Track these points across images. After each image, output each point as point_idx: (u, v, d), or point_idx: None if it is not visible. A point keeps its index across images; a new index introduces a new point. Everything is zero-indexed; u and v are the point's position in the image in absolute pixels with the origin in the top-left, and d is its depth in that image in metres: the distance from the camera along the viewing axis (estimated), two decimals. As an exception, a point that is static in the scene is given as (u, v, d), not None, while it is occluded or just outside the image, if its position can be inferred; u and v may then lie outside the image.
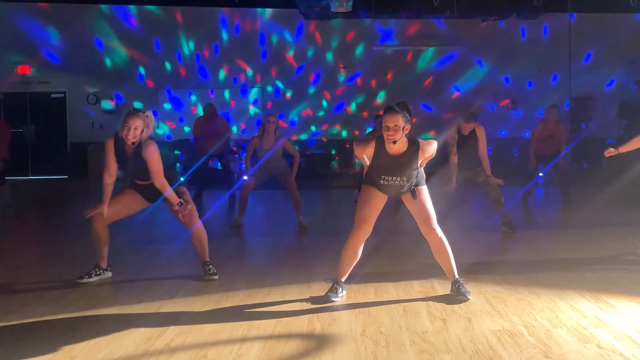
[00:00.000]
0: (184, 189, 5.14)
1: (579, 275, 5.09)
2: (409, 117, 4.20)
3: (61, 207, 10.70)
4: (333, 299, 4.41)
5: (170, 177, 5.05)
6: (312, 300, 4.46)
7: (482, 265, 5.56)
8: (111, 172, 4.98)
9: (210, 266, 5.19)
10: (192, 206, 5.07)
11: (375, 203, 4.41)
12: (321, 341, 3.64)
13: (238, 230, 7.64)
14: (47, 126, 15.66)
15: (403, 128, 4.16)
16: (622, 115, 14.17)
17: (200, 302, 4.44)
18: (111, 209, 5.02)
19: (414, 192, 4.37)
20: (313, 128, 15.73)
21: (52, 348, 3.54)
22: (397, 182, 4.31)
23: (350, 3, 11.98)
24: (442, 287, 4.72)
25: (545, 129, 9.39)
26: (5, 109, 15.43)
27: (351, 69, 15.56)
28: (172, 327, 3.88)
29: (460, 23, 14.66)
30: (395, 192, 4.42)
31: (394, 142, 4.17)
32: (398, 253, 6.11)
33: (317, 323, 3.95)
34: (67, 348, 3.54)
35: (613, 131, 14.22)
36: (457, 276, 4.49)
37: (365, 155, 4.34)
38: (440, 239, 4.41)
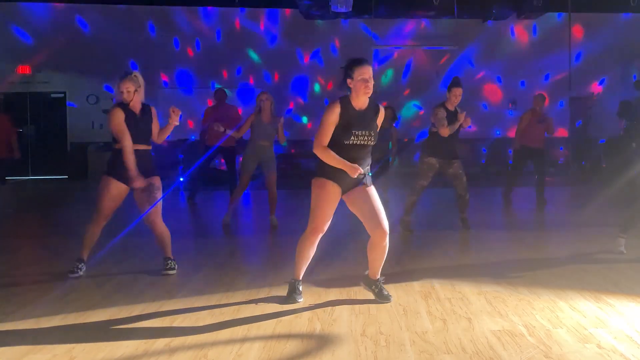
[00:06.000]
0: (158, 181, 5.24)
1: (579, 275, 5.09)
2: None
3: (61, 207, 10.68)
4: (299, 299, 4.40)
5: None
6: (312, 300, 4.45)
7: (482, 265, 5.57)
8: (130, 137, 5.15)
9: (170, 262, 5.34)
10: (158, 190, 5.21)
11: (332, 200, 4.27)
12: (321, 341, 3.63)
13: (227, 229, 7.66)
14: (47, 126, 15.66)
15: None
16: (622, 115, 14.16)
17: (200, 302, 4.44)
18: (109, 206, 5.20)
19: (369, 178, 4.33)
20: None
21: (52, 348, 3.54)
22: (366, 137, 4.22)
23: (351, 3, 11.98)
24: (442, 287, 4.72)
25: (533, 119, 9.05)
26: (5, 109, 15.39)
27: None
28: (172, 327, 3.89)
29: (460, 23, 14.66)
30: (356, 168, 4.20)
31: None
32: (398, 253, 6.10)
33: (317, 323, 3.95)
34: (67, 348, 3.54)
35: (613, 131, 14.19)
36: (378, 276, 4.47)
37: (332, 121, 4.19)
38: (386, 244, 4.32)
